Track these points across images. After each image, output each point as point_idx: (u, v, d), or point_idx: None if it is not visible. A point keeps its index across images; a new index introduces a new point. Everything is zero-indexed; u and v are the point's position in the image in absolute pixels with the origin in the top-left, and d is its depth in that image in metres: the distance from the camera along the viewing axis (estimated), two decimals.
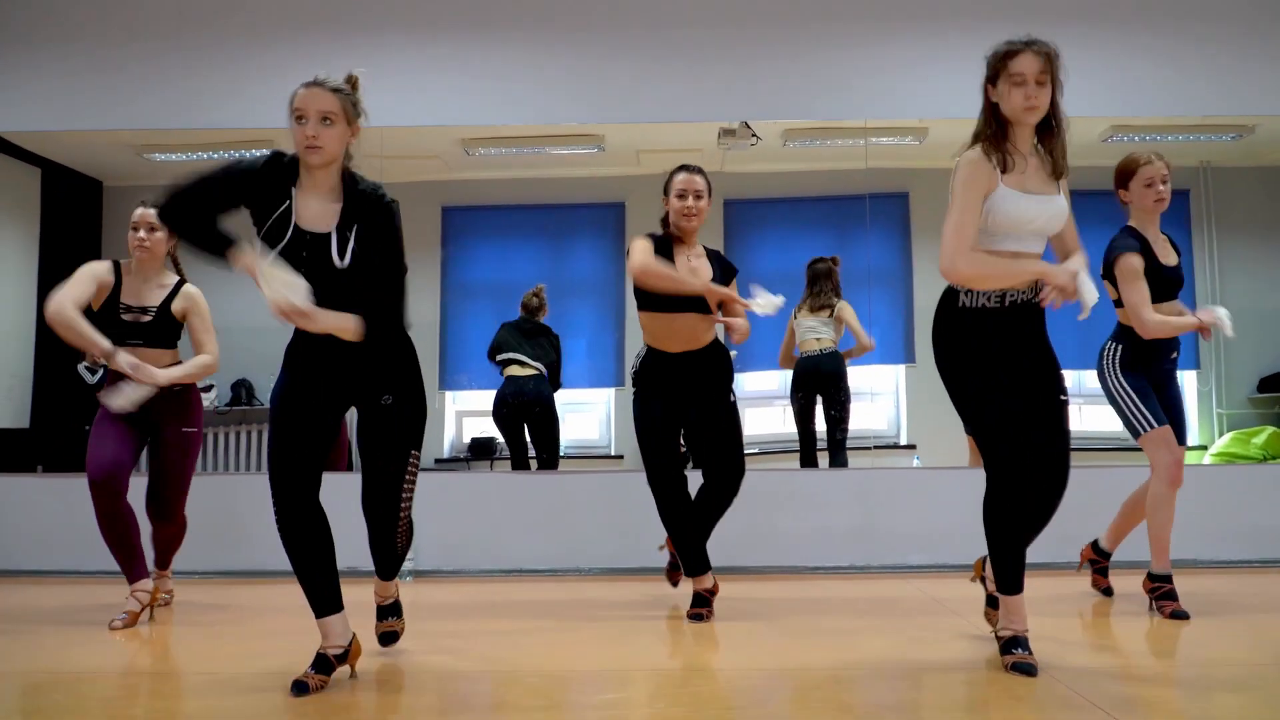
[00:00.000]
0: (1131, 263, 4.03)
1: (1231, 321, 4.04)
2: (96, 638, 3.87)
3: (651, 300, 4.19)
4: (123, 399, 4.10)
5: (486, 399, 6.82)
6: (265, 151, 3.05)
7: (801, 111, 6.09)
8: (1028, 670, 3.04)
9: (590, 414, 7.40)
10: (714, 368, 4.28)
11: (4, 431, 6.67)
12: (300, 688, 2.94)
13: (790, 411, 6.60)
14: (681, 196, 4.20)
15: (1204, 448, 7.07)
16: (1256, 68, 5.94)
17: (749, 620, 4.09)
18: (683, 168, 4.25)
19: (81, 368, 6.77)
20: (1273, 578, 5.20)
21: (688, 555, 4.23)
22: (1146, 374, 4.26)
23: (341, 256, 2.98)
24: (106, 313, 4.25)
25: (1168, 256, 4.21)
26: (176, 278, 4.44)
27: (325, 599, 3.07)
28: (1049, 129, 3.23)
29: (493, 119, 6.14)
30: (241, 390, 7.06)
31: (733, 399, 4.33)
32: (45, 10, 6.13)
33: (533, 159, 6.91)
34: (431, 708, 2.87)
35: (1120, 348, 4.26)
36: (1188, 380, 7.22)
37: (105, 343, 4.10)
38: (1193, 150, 6.92)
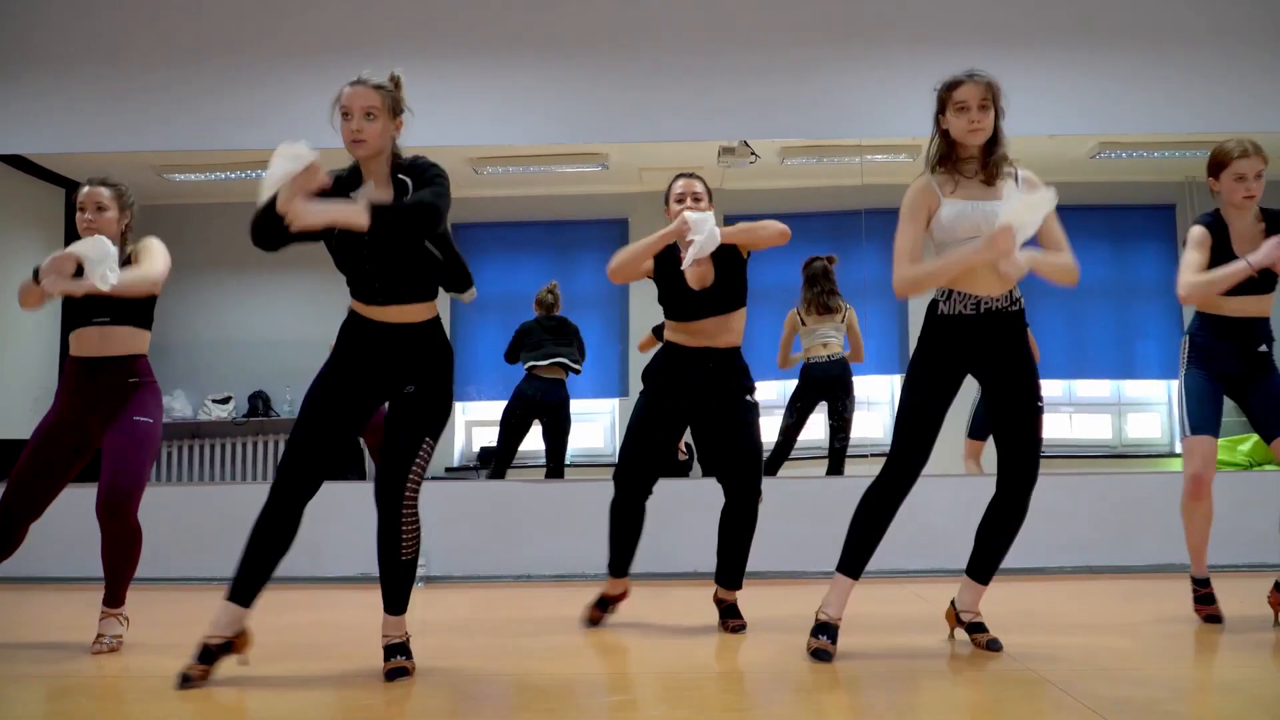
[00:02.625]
0: (1193, 231, 3.95)
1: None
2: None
3: (673, 308, 4.05)
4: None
5: (496, 409, 6.81)
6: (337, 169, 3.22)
7: (799, 130, 6.10)
8: (825, 657, 3.31)
9: (595, 424, 7.40)
10: (729, 366, 4.03)
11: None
12: (185, 680, 3.04)
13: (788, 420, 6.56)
14: (680, 200, 4.07)
15: None
16: (1238, 86, 5.94)
17: (751, 624, 4.07)
18: (681, 175, 4.15)
19: None
20: (1259, 582, 5.17)
21: (615, 557, 4.09)
22: (1223, 368, 3.97)
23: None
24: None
25: (1246, 248, 3.87)
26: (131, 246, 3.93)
27: (245, 591, 3.17)
28: (991, 147, 3.36)
29: (500, 139, 6.15)
30: (259, 402, 7.06)
31: (750, 399, 4.04)
32: (69, 36, 6.15)
33: (539, 177, 6.92)
34: (442, 709, 2.86)
35: (1188, 339, 4.06)
36: (1175, 390, 7.20)
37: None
38: (1178, 166, 6.92)
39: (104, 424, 3.76)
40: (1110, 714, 2.58)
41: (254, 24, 6.15)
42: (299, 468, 3.12)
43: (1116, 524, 5.53)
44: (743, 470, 3.98)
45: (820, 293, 6.41)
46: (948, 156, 3.40)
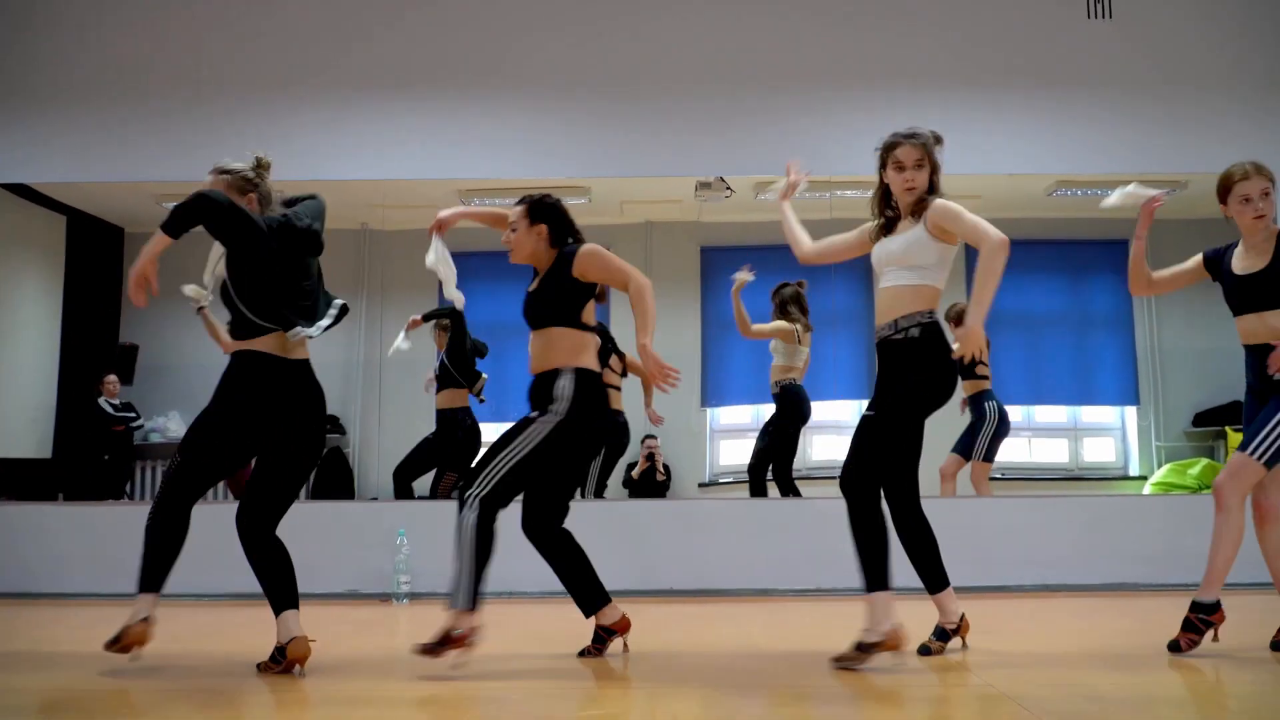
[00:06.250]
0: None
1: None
2: (112, 656, 3.81)
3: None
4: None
5: (488, 432, 6.78)
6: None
7: (771, 166, 6.11)
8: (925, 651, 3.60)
9: None
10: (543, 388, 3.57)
11: (28, 461, 6.63)
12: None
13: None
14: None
15: (1144, 478, 7.10)
16: (1190, 128, 6.02)
17: (724, 640, 4.07)
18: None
19: (102, 401, 6.73)
20: None
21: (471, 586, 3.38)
22: (1262, 389, 3.61)
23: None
24: None
25: (1248, 264, 3.64)
26: None
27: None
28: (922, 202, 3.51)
29: (487, 172, 6.17)
30: None
31: (532, 414, 3.53)
32: (72, 70, 6.15)
33: None
34: None
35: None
36: (1128, 415, 7.27)
37: None
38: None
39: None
40: None
41: (252, 60, 6.16)
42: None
43: (1073, 544, 5.56)
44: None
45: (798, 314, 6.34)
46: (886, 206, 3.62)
